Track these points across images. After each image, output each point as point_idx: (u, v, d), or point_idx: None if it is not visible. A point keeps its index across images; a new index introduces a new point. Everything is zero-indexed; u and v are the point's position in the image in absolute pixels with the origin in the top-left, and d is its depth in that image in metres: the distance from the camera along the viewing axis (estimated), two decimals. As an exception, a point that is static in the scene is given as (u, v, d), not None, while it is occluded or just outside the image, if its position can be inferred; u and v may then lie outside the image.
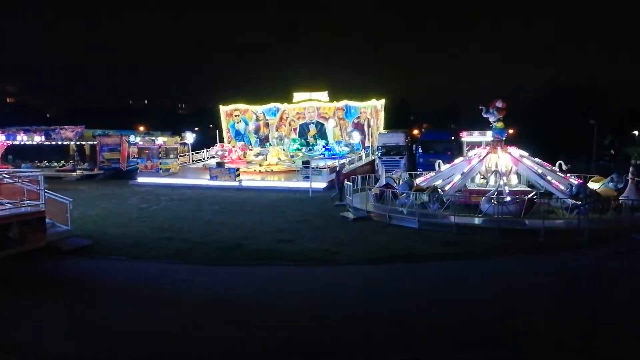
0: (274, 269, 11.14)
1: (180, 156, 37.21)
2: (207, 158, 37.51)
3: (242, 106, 43.21)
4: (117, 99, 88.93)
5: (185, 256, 12.11)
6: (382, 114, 39.22)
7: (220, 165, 30.14)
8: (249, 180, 27.43)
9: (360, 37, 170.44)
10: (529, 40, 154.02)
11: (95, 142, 35.63)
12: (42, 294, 9.53)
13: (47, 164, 37.69)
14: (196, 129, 48.83)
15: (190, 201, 21.69)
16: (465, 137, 31.26)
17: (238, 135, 43.14)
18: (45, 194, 13.07)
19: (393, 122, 42.13)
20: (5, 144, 35.90)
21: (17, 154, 39.93)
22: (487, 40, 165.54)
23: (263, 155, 35.88)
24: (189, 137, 38.63)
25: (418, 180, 19.41)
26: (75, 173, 33.66)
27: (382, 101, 39.35)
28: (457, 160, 20.19)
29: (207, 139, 44.71)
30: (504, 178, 17.20)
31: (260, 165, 31.77)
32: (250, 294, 9.32)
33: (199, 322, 7.91)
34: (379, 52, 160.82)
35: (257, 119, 42.73)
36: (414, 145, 34.22)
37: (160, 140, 39.22)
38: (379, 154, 32.09)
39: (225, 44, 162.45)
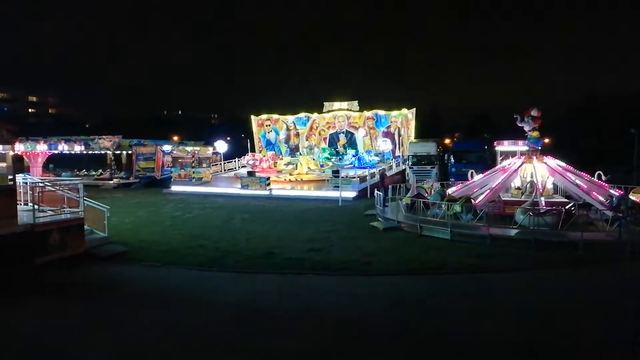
0: (304, 278, 11.14)
1: (212, 165, 37.88)
2: (239, 167, 38.03)
3: (273, 116, 43.70)
4: (152, 110, 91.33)
5: (217, 264, 12.26)
6: (412, 123, 38.89)
7: (251, 174, 30.51)
8: (279, 189, 27.62)
9: (391, 46, 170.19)
10: (564, 48, 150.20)
11: (131, 152, 36.73)
12: (80, 299, 9.82)
13: (85, 172, 39.06)
14: (228, 138, 49.57)
15: (222, 210, 21.99)
16: (499, 146, 30.61)
17: (269, 144, 43.60)
18: (84, 201, 13.54)
19: (424, 131, 41.69)
20: (47, 153, 37.38)
21: (58, 163, 41.53)
22: (520, 47, 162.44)
23: (293, 164, 36.10)
24: (221, 147, 39.30)
25: (450, 190, 19.10)
26: (112, 181, 34.73)
27: (413, 110, 39.04)
28: (491, 170, 19.78)
29: (238, 149, 45.38)
30: (540, 188, 16.72)
31: (291, 175, 31.97)
32: (280, 303, 9.34)
33: (229, 329, 7.98)
34: (410, 61, 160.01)
35: (288, 129, 43.10)
36: (446, 155, 33.76)
37: (194, 149, 40.07)
38: (410, 163, 31.79)
39: (257, 54, 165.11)
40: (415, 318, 8.41)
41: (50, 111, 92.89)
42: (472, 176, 20.19)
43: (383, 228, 16.32)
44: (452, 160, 31.15)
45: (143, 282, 11.06)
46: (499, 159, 28.33)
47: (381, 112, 39.84)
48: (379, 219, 17.57)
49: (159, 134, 50.62)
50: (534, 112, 17.95)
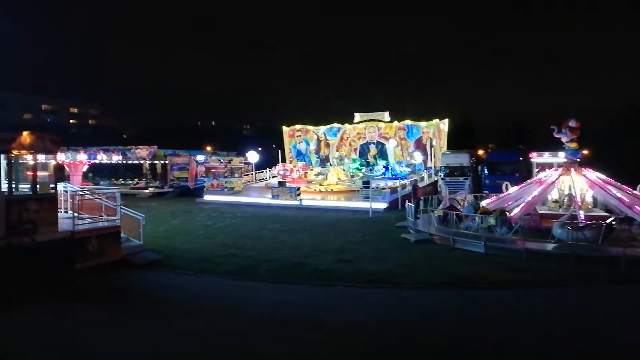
0: (335, 289, 11.09)
1: (244, 175, 38.33)
2: (270, 177, 38.37)
3: (303, 127, 44.01)
4: (186, 121, 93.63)
5: (249, 273, 12.37)
6: (445, 134, 38.38)
7: (282, 184, 30.71)
8: (309, 199, 27.67)
9: (422, 55, 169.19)
10: (603, 57, 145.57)
11: (166, 161, 37.63)
12: (115, 305, 10.08)
13: (122, 181, 40.22)
14: (259, 149, 50.25)
15: (253, 219, 22.21)
16: (535, 158, 29.81)
17: (299, 155, 43.87)
18: (121, 210, 13.94)
19: (457, 142, 41.10)
20: (87, 162, 38.73)
21: (96, 172, 42.96)
22: (557, 57, 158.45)
23: (323, 175, 36.12)
24: (253, 157, 39.78)
25: (484, 203, 18.69)
26: (147, 190, 35.61)
27: (446, 121, 38.55)
28: (527, 182, 19.26)
29: (269, 159, 45.84)
30: (579, 202, 16.15)
31: (321, 185, 31.99)
32: (311, 313, 9.32)
33: (260, 338, 8.01)
34: (442, 71, 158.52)
35: (318, 139, 43.29)
36: (479, 166, 33.12)
37: (226, 159, 40.73)
38: (442, 174, 31.34)
39: (287, 66, 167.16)
40: (447, 331, 8.22)
41: (90, 122, 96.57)
42: (506, 188, 19.70)
43: (415, 240, 16.09)
44: (486, 171, 30.53)
45: (176, 290, 11.26)
46: (535, 170, 27.58)
47: (412, 123, 39.52)
48: (411, 231, 17.34)
49: (193, 145, 51.75)
50: (572, 123, 17.43)
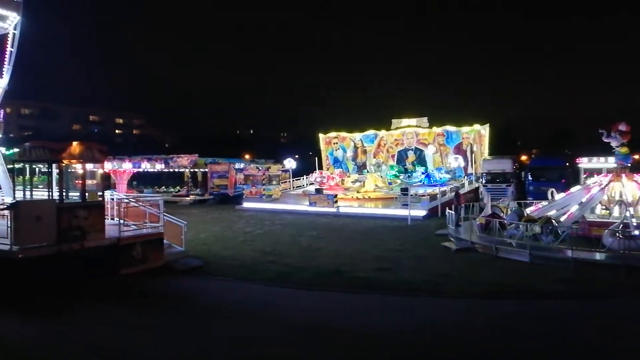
0: (373, 297, 10.96)
1: (281, 183, 38.72)
2: (307, 184, 38.54)
3: (340, 134, 44.01)
4: (226, 129, 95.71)
5: (286, 280, 12.41)
6: (486, 140, 37.45)
7: (319, 191, 30.80)
8: (346, 206, 27.61)
9: (462, 58, 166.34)
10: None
11: (206, 170, 38.51)
12: (159, 310, 10.33)
13: (164, 189, 41.47)
14: (296, 156, 50.63)
15: (291, 226, 22.33)
16: (583, 163, 28.62)
17: (336, 162, 43.86)
18: (164, 217, 14.33)
19: (498, 147, 39.99)
20: (131, 171, 40.17)
21: (140, 180, 44.50)
22: (606, 57, 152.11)
23: (360, 182, 35.97)
24: (290, 165, 40.13)
25: (528, 210, 18.10)
26: (188, 198, 36.54)
27: (486, 126, 37.64)
28: (574, 189, 18.50)
29: (306, 166, 46.09)
30: (631, 209, 15.35)
31: (358, 192, 31.85)
32: (348, 322, 9.23)
33: (298, 345, 8.00)
34: (482, 74, 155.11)
35: (355, 146, 43.17)
36: (523, 172, 32.12)
37: (264, 167, 41.27)
38: (484, 181, 30.57)
39: (324, 74, 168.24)
40: (489, 343, 7.94)
41: (134, 132, 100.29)
42: (552, 195, 18.98)
43: (455, 249, 15.73)
44: (530, 178, 29.60)
45: (216, 296, 11.44)
46: (583, 176, 26.46)
47: (452, 128, 38.77)
48: (451, 239, 16.97)
49: (232, 153, 52.77)
50: (622, 127, 16.65)
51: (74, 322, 9.36)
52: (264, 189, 32.88)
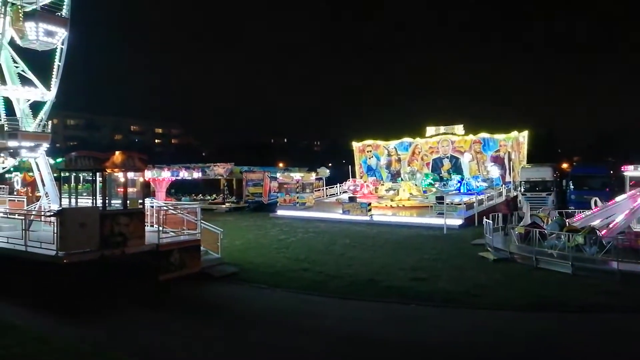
0: (408, 308, 10.82)
1: (315, 191, 38.85)
2: (340, 192, 38.52)
3: (373, 142, 43.85)
4: (260, 138, 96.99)
5: (320, 288, 12.42)
6: (524, 147, 36.46)
7: (352, 199, 30.70)
8: (380, 215, 27.39)
9: (499, 62, 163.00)
10: None
11: (241, 178, 39.12)
12: (196, 316, 10.53)
13: (201, 197, 42.37)
14: (329, 164, 50.78)
15: (324, 234, 22.34)
16: (629, 171, 27.40)
17: (370, 170, 43.66)
18: (201, 224, 14.63)
19: (538, 155, 38.85)
20: (170, 179, 41.28)
21: (178, 188, 45.65)
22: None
23: (395, 190, 35.66)
24: (324, 173, 40.22)
25: (570, 220, 17.43)
26: (224, 205, 37.17)
27: (525, 133, 36.65)
28: (619, 198, 17.72)
29: (340, 174, 46.09)
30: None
31: (392, 200, 31.58)
32: (383, 332, 9.14)
33: (330, 354, 7.96)
34: (520, 78, 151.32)
35: (389, 154, 42.88)
36: (564, 181, 31.06)
37: (298, 175, 41.56)
38: (523, 189, 29.74)
39: (356, 82, 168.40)
40: (534, 358, 7.67)
41: (172, 141, 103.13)
42: (595, 204, 18.26)
43: (493, 259, 15.33)
44: (572, 186, 28.57)
45: (251, 303, 11.56)
46: (629, 185, 25.35)
47: (489, 136, 37.97)
48: (489, 248, 16.55)
49: (267, 161, 53.40)
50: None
51: (117, 326, 9.67)
52: (297, 197, 33.07)
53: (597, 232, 14.58)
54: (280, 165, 54.88)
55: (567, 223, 16.49)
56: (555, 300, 10.91)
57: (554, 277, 12.91)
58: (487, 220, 17.73)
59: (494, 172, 35.74)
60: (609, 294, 11.07)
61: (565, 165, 45.91)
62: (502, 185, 33.93)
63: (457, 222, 23.79)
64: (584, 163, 46.28)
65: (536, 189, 29.18)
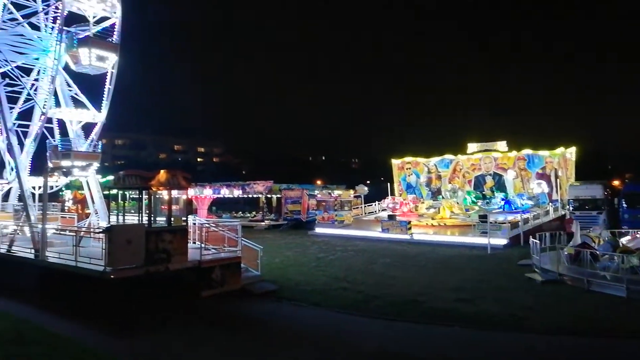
0: (452, 330, 10.48)
1: (353, 208, 38.67)
2: (379, 210, 38.18)
3: (413, 159, 43.40)
4: (298, 155, 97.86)
5: (360, 308, 12.24)
6: (572, 164, 35.11)
7: (392, 217, 30.33)
8: (420, 233, 26.89)
9: (543, 76, 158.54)
10: None
11: (280, 195, 39.51)
12: (238, 333, 10.60)
13: (241, 214, 43.03)
14: (368, 182, 50.47)
15: (363, 253, 22.11)
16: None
17: (409, 187, 43.13)
18: (241, 241, 14.81)
19: (587, 172, 37.28)
20: (212, 197, 42.22)
21: (218, 206, 46.58)
22: None
23: (435, 208, 35.02)
24: (362, 190, 40.00)
25: (624, 240, 16.53)
26: (263, 223, 37.57)
27: (572, 149, 35.33)
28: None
29: (378, 192, 45.75)
30: None
31: (433, 219, 31.00)
32: (425, 355, 8.87)
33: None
34: (567, 93, 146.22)
35: (429, 172, 42.27)
36: (616, 199, 29.58)
37: (336, 193, 41.54)
38: (571, 208, 28.53)
39: (396, 99, 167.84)
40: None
41: (214, 159, 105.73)
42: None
43: (541, 280, 14.69)
44: (625, 205, 27.14)
45: (292, 321, 11.54)
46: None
47: (533, 152, 36.83)
48: (536, 269, 15.88)
49: (305, 179, 53.76)
50: None
51: (160, 341, 9.86)
52: (336, 215, 33.00)
53: (655, 253, 13.73)
54: (318, 182, 55.09)
55: (620, 243, 15.65)
56: (608, 325, 10.31)
57: (606, 301, 12.22)
58: (534, 240, 17.05)
59: (540, 189, 34.54)
60: (671, 320, 10.36)
61: (616, 183, 43.74)
62: (548, 204, 32.71)
63: (502, 241, 23.03)
64: (637, 180, 44.00)
65: (586, 208, 27.96)
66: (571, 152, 35.35)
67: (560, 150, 35.49)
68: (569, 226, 19.03)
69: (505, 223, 24.91)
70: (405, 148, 53.38)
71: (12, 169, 19.07)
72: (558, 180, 35.00)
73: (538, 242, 16.71)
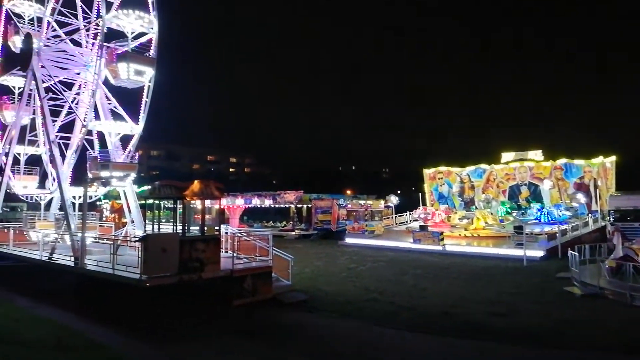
0: (487, 345, 10.19)
1: (384, 219, 38.36)
2: (410, 221, 37.74)
3: (445, 168, 42.80)
4: (329, 166, 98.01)
5: (391, 320, 12.08)
6: (612, 173, 33.82)
7: (423, 228, 29.91)
8: (453, 244, 26.41)
9: (581, 83, 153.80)
10: None
11: (310, 205, 39.62)
12: (265, 341, 10.64)
13: (272, 223, 43.35)
14: (398, 192, 50.02)
15: (394, 264, 21.87)
16: None
17: (441, 198, 42.50)
18: (273, 250, 14.91)
19: (628, 181, 35.82)
20: (243, 206, 42.77)
21: (250, 215, 47.09)
22: None
23: (468, 219, 34.32)
24: (393, 200, 39.67)
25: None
26: (294, 232, 37.72)
27: (612, 158, 34.05)
28: None
29: (409, 202, 45.26)
30: None
31: (466, 230, 30.40)
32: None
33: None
34: (608, 100, 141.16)
35: (462, 181, 41.56)
36: (660, 210, 28.24)
37: (366, 203, 41.33)
38: (612, 219, 27.42)
39: (430, 108, 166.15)
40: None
41: (246, 170, 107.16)
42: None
43: (581, 294, 14.15)
44: (670, 216, 25.87)
45: (322, 332, 11.46)
46: None
47: (571, 161, 35.70)
48: (575, 283, 15.32)
49: (335, 189, 53.74)
50: None
51: (193, 349, 10.00)
52: (366, 225, 32.82)
53: None
54: (348, 192, 54.96)
55: (666, 257, 14.91)
56: (656, 342, 9.80)
57: (653, 317, 11.66)
58: (573, 252, 16.46)
59: (578, 200, 33.40)
60: None
61: (661, 193, 41.77)
62: (587, 215, 31.57)
63: (538, 253, 22.36)
64: (684, 190, 41.94)
65: (627, 219, 26.80)
66: (611, 162, 34.10)
67: (599, 159, 34.29)
68: (623, 238, 18.04)
69: (541, 234, 24.20)
70: (436, 158, 52.70)
71: (54, 180, 19.88)
72: (597, 190, 33.78)
73: (577, 254, 16.14)
